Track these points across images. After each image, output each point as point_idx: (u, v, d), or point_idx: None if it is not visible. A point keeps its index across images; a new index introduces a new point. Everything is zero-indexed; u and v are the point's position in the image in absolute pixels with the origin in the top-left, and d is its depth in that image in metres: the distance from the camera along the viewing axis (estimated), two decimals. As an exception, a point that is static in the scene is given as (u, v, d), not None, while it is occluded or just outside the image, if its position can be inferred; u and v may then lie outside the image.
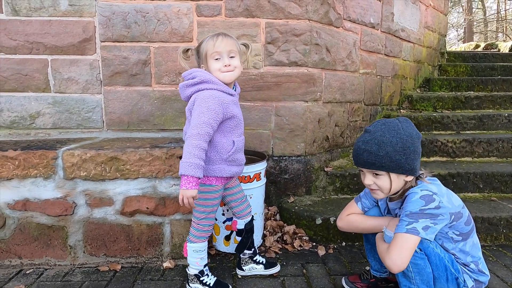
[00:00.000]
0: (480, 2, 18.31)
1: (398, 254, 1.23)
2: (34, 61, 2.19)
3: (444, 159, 2.83)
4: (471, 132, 3.10)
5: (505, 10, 17.77)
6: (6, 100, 2.21)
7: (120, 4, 2.15)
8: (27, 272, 1.80)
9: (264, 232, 2.15)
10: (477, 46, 7.49)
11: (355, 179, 2.44)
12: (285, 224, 2.21)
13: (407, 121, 1.35)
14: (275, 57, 2.26)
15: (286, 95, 2.30)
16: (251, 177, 1.93)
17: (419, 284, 1.29)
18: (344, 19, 2.55)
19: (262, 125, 2.33)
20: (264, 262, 1.77)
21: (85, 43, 2.18)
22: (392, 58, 3.26)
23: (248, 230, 1.73)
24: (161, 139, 2.11)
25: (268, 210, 2.33)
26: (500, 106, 3.47)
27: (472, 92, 3.71)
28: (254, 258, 1.77)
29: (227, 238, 1.97)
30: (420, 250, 1.27)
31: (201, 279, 1.60)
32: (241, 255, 1.77)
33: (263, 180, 2.04)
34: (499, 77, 4.05)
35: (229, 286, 1.62)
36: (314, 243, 2.09)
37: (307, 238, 2.11)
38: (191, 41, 2.19)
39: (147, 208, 1.83)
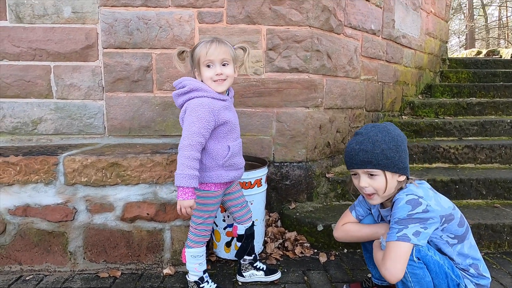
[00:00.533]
0: (481, 9, 18.38)
1: (392, 263, 1.22)
2: (37, 67, 2.21)
3: (447, 165, 2.82)
4: (474, 138, 3.09)
5: (507, 17, 17.82)
6: (9, 106, 2.23)
7: (123, 11, 2.17)
8: (27, 278, 1.79)
9: (265, 238, 2.14)
10: (479, 52, 7.50)
11: (356, 185, 2.43)
12: (286, 231, 2.20)
13: (392, 124, 1.39)
14: (276, 64, 2.27)
15: (287, 101, 2.30)
16: (252, 183, 1.93)
17: None
18: (345, 25, 2.56)
19: (263, 131, 2.33)
20: (264, 269, 1.76)
21: (87, 49, 2.20)
22: (393, 65, 3.27)
23: (249, 235, 1.72)
24: (162, 145, 2.12)
25: (269, 216, 2.32)
26: (502, 112, 3.46)
27: (474, 98, 3.70)
28: (255, 264, 1.75)
29: (228, 244, 1.96)
30: (418, 259, 1.25)
31: (201, 286, 1.59)
32: (241, 261, 1.76)
33: (264, 186, 2.03)
34: (501, 83, 4.05)
35: (229, 293, 1.61)
36: (316, 250, 2.08)
37: (308, 244, 2.10)
38: (193, 48, 2.21)
39: (148, 214, 1.83)
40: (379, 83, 3.08)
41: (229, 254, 1.96)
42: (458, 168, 2.76)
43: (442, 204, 1.31)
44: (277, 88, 2.29)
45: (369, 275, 1.69)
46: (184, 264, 1.62)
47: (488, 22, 18.65)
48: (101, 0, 2.16)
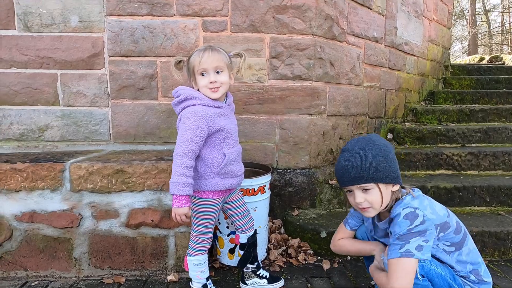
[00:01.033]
0: (484, 15, 18.41)
1: (398, 281, 1.20)
2: (44, 75, 2.24)
3: (450, 172, 2.82)
4: (477, 145, 3.09)
5: (510, 23, 17.83)
6: (16, 113, 2.26)
7: (129, 20, 2.21)
8: (33, 284, 1.81)
9: (269, 245, 2.15)
10: (482, 58, 7.50)
11: (360, 192, 2.43)
12: (289, 238, 2.21)
13: (377, 135, 1.40)
14: (280, 71, 2.29)
15: (291, 108, 2.32)
16: (255, 190, 1.94)
17: None
18: (347, 33, 2.59)
19: (266, 138, 2.34)
20: (267, 277, 1.76)
21: (94, 58, 2.24)
22: (396, 72, 3.29)
23: (251, 244, 1.71)
24: (166, 151, 2.14)
25: (273, 223, 2.32)
26: (505, 119, 3.46)
27: (477, 105, 3.71)
28: (258, 273, 1.75)
29: (232, 251, 1.96)
30: (423, 277, 1.25)
31: (204, 293, 1.59)
32: (244, 269, 1.76)
33: (268, 193, 2.04)
34: (504, 90, 4.05)
35: (233, 300, 1.62)
36: (319, 257, 2.08)
37: (311, 251, 2.10)
38: (197, 56, 2.24)
39: (152, 220, 1.84)
40: (382, 90, 3.10)
41: (233, 261, 1.97)
42: (461, 175, 2.76)
43: (437, 211, 1.31)
44: (280, 96, 2.31)
45: (373, 283, 1.69)
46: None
47: (491, 28, 18.67)
48: (107, 9, 2.20)
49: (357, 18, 2.66)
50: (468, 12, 18.15)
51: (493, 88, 4.25)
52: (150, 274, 1.88)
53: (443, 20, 4.34)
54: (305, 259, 2.04)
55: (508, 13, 17.68)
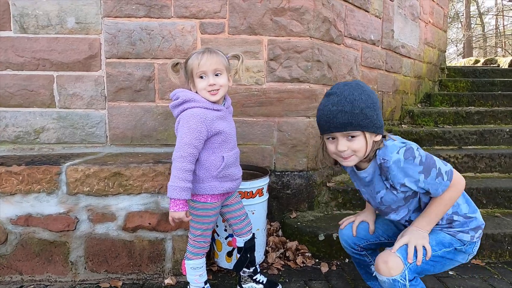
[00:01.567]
0: (478, 18, 18.58)
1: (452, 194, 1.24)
2: (40, 77, 2.22)
3: (447, 174, 2.82)
4: (473, 147, 3.11)
5: (503, 26, 18.02)
6: (12, 116, 2.24)
7: (126, 22, 2.19)
8: (28, 288, 1.79)
9: (267, 248, 2.14)
10: (477, 61, 7.57)
11: (357, 194, 2.43)
12: (287, 240, 2.20)
13: (363, 82, 1.33)
14: (277, 74, 2.29)
15: (288, 110, 2.32)
16: (253, 193, 1.93)
17: None
18: (345, 36, 2.59)
19: (264, 140, 2.34)
20: (264, 282, 1.74)
21: (90, 59, 2.22)
22: (392, 74, 3.30)
23: (248, 248, 1.69)
24: (164, 154, 2.12)
25: (271, 225, 2.32)
26: (501, 121, 3.48)
27: (473, 107, 3.73)
28: (254, 277, 1.73)
29: (229, 254, 1.95)
30: (414, 278, 1.23)
31: (202, 296, 1.58)
32: (241, 273, 1.75)
33: (266, 195, 2.03)
34: (499, 92, 4.09)
35: (231, 304, 1.60)
36: (317, 260, 2.07)
37: (309, 254, 2.09)
38: (195, 58, 2.23)
39: (149, 223, 1.83)
40: (379, 92, 3.10)
41: (231, 264, 1.95)
42: (458, 177, 2.76)
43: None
44: (278, 98, 2.30)
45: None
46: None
47: (485, 30, 18.85)
48: (104, 11, 2.18)
49: (354, 21, 2.67)
50: (462, 15, 18.32)
51: (488, 90, 4.28)
52: (147, 278, 1.86)
53: (439, 22, 4.37)
54: (303, 262, 2.03)
55: (502, 16, 17.86)
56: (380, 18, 2.99)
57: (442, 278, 1.87)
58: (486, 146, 3.11)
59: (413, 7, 3.58)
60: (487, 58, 7.41)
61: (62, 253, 1.82)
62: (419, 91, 4.01)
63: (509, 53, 16.20)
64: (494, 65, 6.70)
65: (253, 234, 1.73)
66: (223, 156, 1.47)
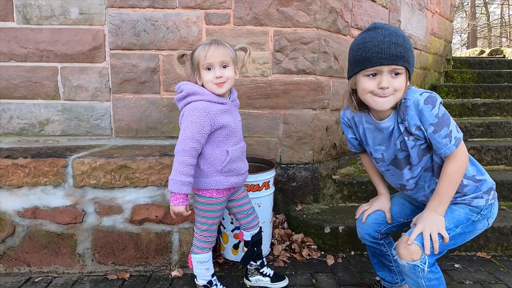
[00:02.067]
0: (483, 7, 18.31)
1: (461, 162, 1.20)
2: (44, 68, 2.20)
3: (452, 167, 2.81)
4: (479, 139, 3.08)
5: (509, 15, 17.76)
6: (16, 108, 2.23)
7: (130, 12, 2.16)
8: (36, 280, 1.80)
9: (272, 240, 2.14)
10: (482, 52, 7.48)
11: (362, 187, 2.43)
12: (293, 233, 2.20)
13: None
14: (283, 65, 2.26)
15: (294, 102, 2.30)
16: (260, 186, 1.93)
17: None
18: (351, 27, 2.55)
19: (270, 132, 2.33)
20: (271, 275, 1.74)
21: (94, 51, 2.20)
22: (398, 65, 3.26)
23: (255, 242, 1.69)
24: (169, 146, 2.12)
25: (276, 218, 2.32)
26: (507, 113, 3.45)
27: (479, 99, 3.70)
28: (261, 270, 1.74)
29: (236, 246, 1.96)
30: (433, 265, 1.21)
31: (210, 289, 1.59)
32: (248, 266, 1.75)
33: (272, 188, 2.03)
34: (506, 84, 4.04)
35: (238, 296, 1.61)
36: (323, 252, 2.08)
37: (315, 247, 2.10)
38: (200, 49, 2.20)
39: (156, 216, 1.83)
40: (385, 84, 3.07)
41: (237, 256, 1.96)
42: (463, 170, 2.75)
43: None
44: (284, 90, 2.28)
45: (378, 278, 1.69)
46: (193, 267, 1.63)
47: (490, 20, 18.59)
48: (108, 1, 2.15)
49: (361, 11, 2.63)
50: (467, 4, 18.05)
51: (494, 82, 4.24)
52: (154, 270, 1.87)
53: (445, 12, 4.30)
54: (309, 254, 2.04)
55: (507, 5, 17.59)
56: (387, 8, 2.94)
57: (448, 271, 1.88)
58: (492, 139, 3.09)
59: (420, -3, 3.52)
60: (493, 48, 7.32)
61: (70, 245, 1.83)
62: (425, 83, 3.96)
63: (514, 43, 16.00)
64: (500, 55, 6.62)
65: (260, 228, 1.73)
66: (227, 150, 1.45)
